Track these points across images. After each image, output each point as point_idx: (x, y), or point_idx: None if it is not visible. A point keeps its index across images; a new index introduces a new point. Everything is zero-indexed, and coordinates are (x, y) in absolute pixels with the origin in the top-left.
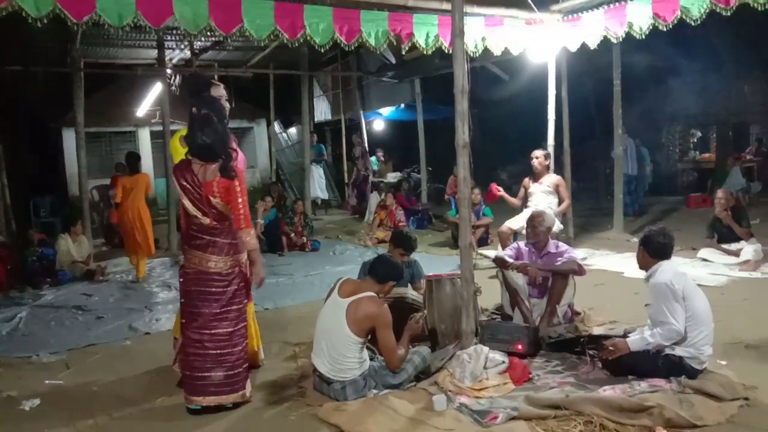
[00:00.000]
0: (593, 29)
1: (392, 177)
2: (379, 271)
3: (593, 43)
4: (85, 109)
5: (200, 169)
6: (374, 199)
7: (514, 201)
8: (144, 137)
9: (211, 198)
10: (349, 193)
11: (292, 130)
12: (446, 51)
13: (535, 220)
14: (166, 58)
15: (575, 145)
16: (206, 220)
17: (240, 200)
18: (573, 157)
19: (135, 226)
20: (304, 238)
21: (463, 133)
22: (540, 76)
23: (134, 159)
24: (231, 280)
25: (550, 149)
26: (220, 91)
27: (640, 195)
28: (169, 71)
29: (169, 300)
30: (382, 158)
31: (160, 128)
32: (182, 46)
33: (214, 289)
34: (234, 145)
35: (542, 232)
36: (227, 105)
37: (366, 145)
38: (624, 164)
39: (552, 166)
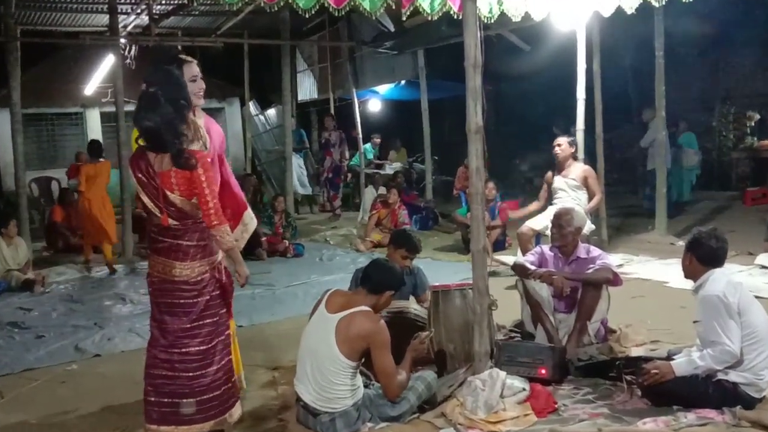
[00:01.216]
0: None
1: (390, 167)
2: (373, 279)
3: (630, 7)
4: (22, 86)
5: (156, 158)
6: (369, 194)
7: (535, 207)
8: (93, 120)
9: (169, 193)
10: (319, 188)
11: (271, 112)
12: (455, 16)
13: (561, 219)
14: (120, 25)
15: (610, 131)
16: (169, 220)
17: (207, 191)
18: (607, 144)
19: (101, 217)
20: (286, 242)
21: (475, 115)
22: (567, 46)
23: (97, 145)
24: (201, 290)
25: (580, 134)
26: (193, 70)
27: (683, 192)
28: (123, 41)
29: (123, 315)
30: (379, 143)
31: (112, 109)
32: (139, 11)
33: (182, 301)
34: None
35: (570, 233)
36: (201, 86)
37: (359, 128)
38: (654, 156)
39: (582, 156)
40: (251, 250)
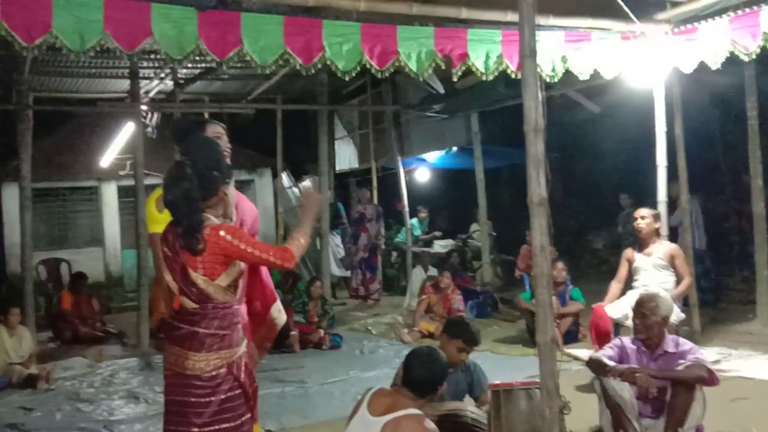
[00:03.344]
0: (715, 43)
1: (440, 245)
2: (417, 380)
3: (715, 63)
4: (33, 157)
5: None
6: (417, 275)
7: (616, 288)
8: (109, 195)
9: (191, 271)
10: (351, 270)
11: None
12: (513, 76)
13: (645, 307)
14: (141, 91)
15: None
16: (187, 303)
17: (251, 250)
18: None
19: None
20: (321, 331)
21: (538, 186)
22: (644, 107)
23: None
24: (216, 387)
25: (662, 207)
26: (216, 130)
27: None
28: (144, 107)
29: (136, 416)
30: (426, 217)
31: (131, 182)
32: (162, 75)
33: (192, 399)
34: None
35: (656, 323)
36: (226, 144)
37: (405, 201)
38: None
39: (665, 232)
40: (281, 341)
